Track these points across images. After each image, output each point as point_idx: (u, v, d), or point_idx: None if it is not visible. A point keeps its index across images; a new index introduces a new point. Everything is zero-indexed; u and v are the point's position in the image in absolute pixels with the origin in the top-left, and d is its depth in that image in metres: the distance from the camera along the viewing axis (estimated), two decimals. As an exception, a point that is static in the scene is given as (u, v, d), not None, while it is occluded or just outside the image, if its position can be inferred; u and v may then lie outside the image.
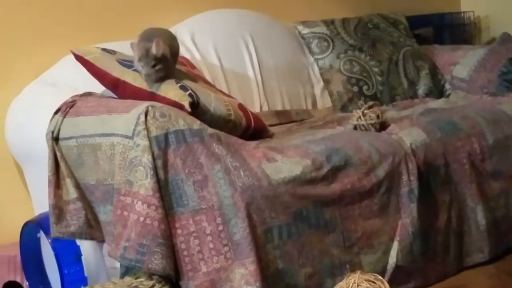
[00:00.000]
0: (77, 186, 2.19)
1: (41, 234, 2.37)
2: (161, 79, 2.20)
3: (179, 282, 1.96)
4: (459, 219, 2.38)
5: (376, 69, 3.12)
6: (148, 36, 2.23)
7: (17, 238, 2.43)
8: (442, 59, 3.35)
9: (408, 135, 2.36)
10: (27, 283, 2.42)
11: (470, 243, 2.40)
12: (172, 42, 2.32)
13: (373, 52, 3.17)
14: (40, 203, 2.45)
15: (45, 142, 2.24)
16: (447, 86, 3.28)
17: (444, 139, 2.41)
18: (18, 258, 2.43)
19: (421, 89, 3.21)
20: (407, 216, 2.24)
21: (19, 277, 2.45)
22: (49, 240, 2.25)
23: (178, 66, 2.49)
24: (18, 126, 2.54)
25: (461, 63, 3.28)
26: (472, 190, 2.41)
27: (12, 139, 2.58)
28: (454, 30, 3.85)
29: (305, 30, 3.19)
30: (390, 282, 2.04)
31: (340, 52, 3.12)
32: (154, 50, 2.16)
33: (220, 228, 1.95)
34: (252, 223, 1.96)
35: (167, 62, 2.21)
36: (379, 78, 3.11)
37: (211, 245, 1.94)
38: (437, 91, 3.25)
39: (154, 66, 2.17)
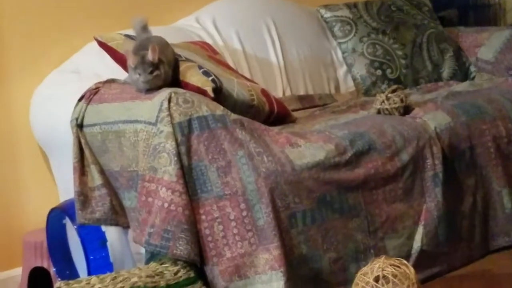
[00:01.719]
0: (102, 172, 2.21)
1: (67, 221, 2.40)
2: (158, 88, 2.07)
3: (204, 268, 1.97)
4: (485, 203, 2.37)
5: (399, 52, 3.09)
6: (142, 45, 2.13)
7: (43, 224, 2.45)
8: (467, 41, 3.31)
9: (433, 118, 2.34)
10: (54, 269, 2.45)
11: (495, 226, 2.38)
12: (165, 50, 2.17)
13: (396, 35, 3.14)
14: (65, 189, 2.47)
15: (70, 129, 2.25)
16: (472, 68, 3.25)
17: (469, 122, 2.39)
18: (45, 244, 2.46)
19: (446, 72, 3.18)
20: (432, 200, 2.23)
21: (46, 263, 2.48)
22: (75, 227, 2.28)
23: (200, 52, 2.50)
24: (42, 113, 2.56)
25: (486, 45, 3.24)
26: (497, 174, 2.39)
27: (37, 126, 2.61)
28: (479, 12, 3.80)
29: (327, 14, 3.17)
30: (415, 266, 2.02)
31: (363, 36, 3.10)
32: (150, 56, 2.05)
33: (244, 213, 1.95)
34: (276, 209, 1.96)
35: (164, 67, 2.09)
36: (403, 61, 3.08)
37: (235, 231, 1.95)
38: (462, 73, 3.21)
39: (151, 72, 2.05)
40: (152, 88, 2.07)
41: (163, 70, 2.08)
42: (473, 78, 3.21)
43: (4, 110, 2.62)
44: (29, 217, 2.65)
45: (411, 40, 3.16)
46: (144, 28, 2.31)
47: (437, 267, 2.25)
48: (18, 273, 2.60)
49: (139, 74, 2.06)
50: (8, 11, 2.61)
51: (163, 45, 2.19)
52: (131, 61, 2.08)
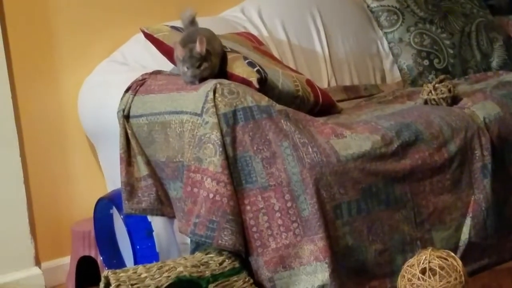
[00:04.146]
0: (148, 163, 2.23)
1: (114, 210, 2.43)
2: (205, 78, 2.09)
3: (249, 258, 1.98)
4: (535, 195, 2.32)
5: (447, 42, 3.05)
6: (190, 37, 2.14)
7: (91, 214, 2.49)
8: (517, 30, 3.26)
9: (481, 109, 2.30)
10: (101, 258, 2.48)
11: (546, 219, 2.34)
12: (212, 42, 2.17)
13: (444, 24, 3.09)
14: (112, 180, 2.50)
15: (117, 120, 2.28)
16: (523, 58, 3.19)
17: (519, 113, 2.34)
18: (92, 233, 2.49)
19: (495, 62, 3.12)
20: (480, 192, 2.20)
21: (93, 252, 2.51)
22: (122, 216, 2.30)
23: (245, 42, 2.50)
24: (90, 105, 2.59)
25: (537, 34, 3.18)
26: (548, 165, 2.34)
27: (85, 117, 2.64)
28: (530, 0, 3.72)
29: (373, 4, 3.14)
30: (462, 259, 2.00)
31: (410, 25, 3.06)
32: (198, 48, 2.06)
33: (289, 204, 1.95)
34: (321, 200, 1.95)
35: (211, 59, 2.10)
36: (451, 51, 3.04)
37: (280, 222, 1.95)
38: (512, 63, 3.16)
39: (199, 66, 2.07)
40: (199, 80, 2.09)
41: (210, 62, 2.10)
42: (523, 68, 3.15)
43: (54, 101, 2.66)
44: (77, 207, 2.69)
45: (460, 29, 3.11)
46: (193, 21, 2.32)
47: (486, 260, 2.22)
48: (66, 262, 2.64)
49: (187, 68, 2.08)
50: (58, 2, 2.64)
51: (211, 37, 2.19)
52: (179, 52, 2.10)
